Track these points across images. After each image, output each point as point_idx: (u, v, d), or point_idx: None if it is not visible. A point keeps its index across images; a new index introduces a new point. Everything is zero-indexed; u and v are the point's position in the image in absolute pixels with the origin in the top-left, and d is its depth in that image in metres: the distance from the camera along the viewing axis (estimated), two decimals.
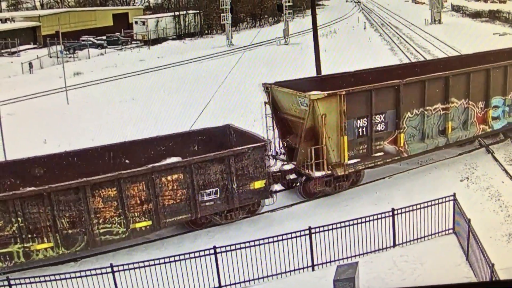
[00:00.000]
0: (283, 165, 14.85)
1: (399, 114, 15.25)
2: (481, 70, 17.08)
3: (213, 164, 12.85)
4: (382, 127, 15.20)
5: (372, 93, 14.80)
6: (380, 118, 15.08)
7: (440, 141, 16.27)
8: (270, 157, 14.18)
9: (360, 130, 14.84)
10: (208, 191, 12.89)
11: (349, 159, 14.64)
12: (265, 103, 15.60)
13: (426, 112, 15.81)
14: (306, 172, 14.40)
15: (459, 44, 39.42)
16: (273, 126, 15.49)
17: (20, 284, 9.96)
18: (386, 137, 15.32)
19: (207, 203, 12.97)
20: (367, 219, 11.14)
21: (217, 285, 10.61)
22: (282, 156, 15.51)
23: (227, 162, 12.90)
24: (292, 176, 14.86)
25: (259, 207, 14.06)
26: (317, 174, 14.33)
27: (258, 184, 13.48)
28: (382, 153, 15.18)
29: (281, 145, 15.59)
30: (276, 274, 10.84)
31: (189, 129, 15.69)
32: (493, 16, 58.68)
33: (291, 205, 14.65)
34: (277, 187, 14.80)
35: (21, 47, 47.97)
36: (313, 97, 14.00)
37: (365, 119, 14.87)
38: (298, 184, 14.99)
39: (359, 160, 14.86)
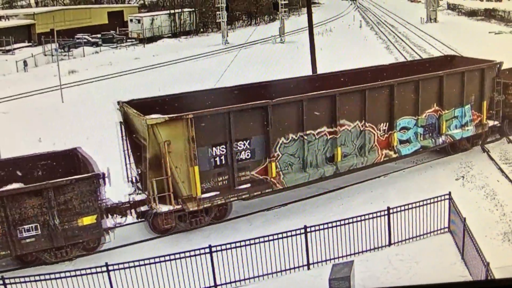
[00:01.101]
0: (131, 194, 13.31)
1: (269, 140, 13.23)
2: (381, 87, 14.85)
3: (30, 197, 11.41)
4: (247, 155, 13.16)
5: (231, 116, 12.69)
6: (244, 144, 13.05)
7: (328, 170, 14.27)
8: (103, 189, 12.10)
9: (217, 159, 12.83)
10: (26, 226, 11.48)
11: (203, 192, 12.69)
12: (120, 123, 13.65)
13: (306, 137, 13.75)
14: (151, 206, 12.71)
15: (455, 43, 39.53)
16: (127, 150, 13.71)
17: (15, 283, 9.91)
18: (253, 166, 13.28)
19: (28, 240, 11.54)
20: (363, 218, 11.14)
21: (212, 284, 10.59)
22: (139, 184, 13.80)
23: (46, 195, 11.46)
24: (144, 208, 13.00)
25: (99, 244, 12.55)
26: (163, 208, 12.56)
27: (87, 220, 11.95)
28: (249, 185, 13.26)
29: (135, 172, 13.87)
30: (272, 273, 10.82)
31: (33, 153, 13.74)
32: (489, 14, 58.92)
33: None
34: (122, 219, 13.08)
35: (16, 45, 47.69)
36: (150, 121, 12.06)
37: (223, 146, 12.84)
38: (148, 218, 13.15)
39: (218, 193, 12.90)
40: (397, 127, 15.26)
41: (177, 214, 12.88)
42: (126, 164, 13.78)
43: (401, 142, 15.51)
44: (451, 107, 16.39)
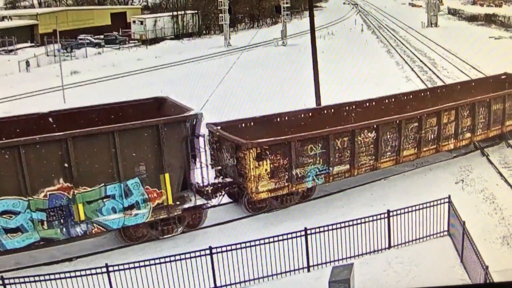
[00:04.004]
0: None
1: None
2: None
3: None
4: None
5: None
6: None
7: None
8: None
9: None
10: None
11: None
12: None
13: None
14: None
15: (455, 47, 39.61)
16: None
17: (15, 283, 9.92)
18: None
19: None
20: (363, 220, 11.18)
21: (212, 285, 10.61)
22: None
23: None
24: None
25: None
26: None
27: None
28: None
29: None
30: (272, 275, 10.85)
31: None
32: (489, 19, 59.03)
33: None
34: None
35: (19, 45, 47.83)
36: None
37: None
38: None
39: None
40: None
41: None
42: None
43: (7, 231, 11.23)
44: (97, 183, 11.77)
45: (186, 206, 12.88)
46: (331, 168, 14.28)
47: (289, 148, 13.58)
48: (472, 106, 16.90)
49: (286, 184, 13.79)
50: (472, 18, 63.32)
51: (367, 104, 17.52)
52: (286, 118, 15.99)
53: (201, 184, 13.28)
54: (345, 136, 14.40)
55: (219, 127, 14.52)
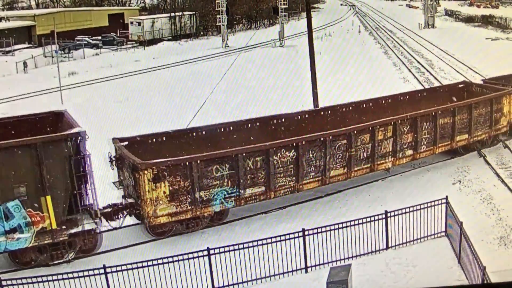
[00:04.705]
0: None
1: None
2: None
3: None
4: None
5: None
6: None
7: None
8: None
9: None
10: None
11: None
12: None
13: None
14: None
15: (452, 48, 39.74)
16: None
17: (12, 285, 9.90)
18: None
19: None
20: (360, 221, 11.21)
21: (210, 286, 10.62)
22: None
23: None
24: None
25: None
26: None
27: None
28: None
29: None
30: (270, 276, 10.86)
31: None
32: (486, 21, 59.23)
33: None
34: None
35: (16, 46, 47.69)
36: None
37: None
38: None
39: None
40: None
41: None
42: None
43: None
44: None
45: (73, 231, 11.85)
46: (242, 191, 12.95)
47: (190, 169, 12.29)
48: (414, 120, 15.35)
49: (190, 207, 12.50)
50: (469, 19, 63.50)
51: (298, 117, 15.88)
52: (203, 132, 14.59)
53: (100, 207, 12.36)
54: (258, 156, 12.94)
55: (124, 143, 13.29)
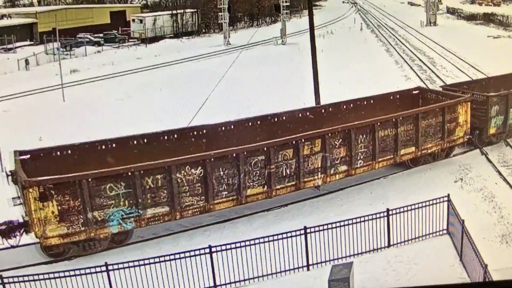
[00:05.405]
0: None
1: None
2: None
3: None
4: None
5: None
6: None
7: None
8: None
9: None
10: None
11: None
12: None
13: None
14: None
15: (454, 46, 39.65)
16: None
17: (14, 282, 9.92)
18: None
19: None
20: (362, 219, 11.20)
21: (212, 284, 10.63)
22: None
23: None
24: None
25: None
26: None
27: None
28: None
29: None
30: (271, 274, 10.87)
31: None
32: (488, 18, 59.11)
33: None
34: None
35: (18, 44, 47.77)
36: None
37: None
38: None
39: None
40: None
41: None
42: None
43: None
44: None
45: None
46: (141, 211, 12.00)
47: (80, 188, 11.38)
48: (347, 133, 13.91)
49: (83, 228, 11.61)
50: (471, 17, 63.36)
51: (224, 128, 14.73)
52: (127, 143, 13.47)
53: None
54: (157, 174, 11.91)
55: (25, 156, 12.49)
